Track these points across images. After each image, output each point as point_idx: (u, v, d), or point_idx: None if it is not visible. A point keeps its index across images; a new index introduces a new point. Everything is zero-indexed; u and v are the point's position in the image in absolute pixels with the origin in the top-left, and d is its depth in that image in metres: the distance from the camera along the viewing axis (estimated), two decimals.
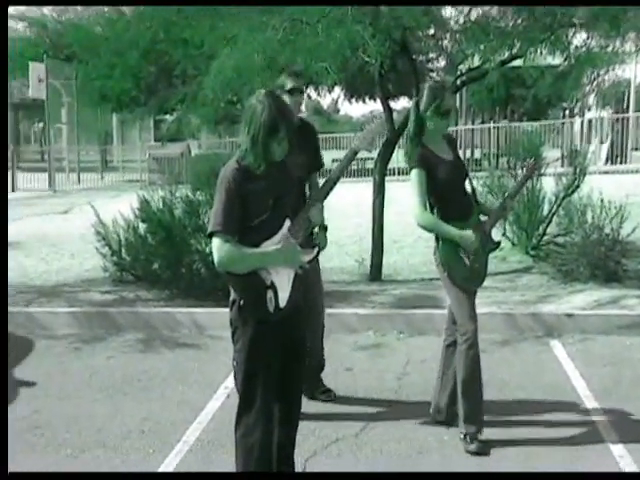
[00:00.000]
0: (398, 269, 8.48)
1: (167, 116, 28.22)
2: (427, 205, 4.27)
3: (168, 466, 4.19)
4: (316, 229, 4.75)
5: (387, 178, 8.34)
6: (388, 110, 8.10)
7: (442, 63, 9.22)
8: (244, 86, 6.30)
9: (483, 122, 19.50)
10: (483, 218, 4.47)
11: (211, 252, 7.22)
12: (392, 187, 8.73)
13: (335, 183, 3.63)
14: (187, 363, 5.90)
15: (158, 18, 8.70)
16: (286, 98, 4.60)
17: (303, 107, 4.97)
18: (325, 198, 3.58)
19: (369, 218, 8.12)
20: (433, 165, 4.24)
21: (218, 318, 6.63)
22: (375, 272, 8.00)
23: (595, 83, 8.93)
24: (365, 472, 3.30)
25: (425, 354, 5.83)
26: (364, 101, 29.45)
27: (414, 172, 4.23)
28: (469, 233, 4.23)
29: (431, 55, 10.64)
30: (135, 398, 5.22)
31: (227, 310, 6.10)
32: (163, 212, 7.31)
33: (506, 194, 4.76)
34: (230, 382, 5.38)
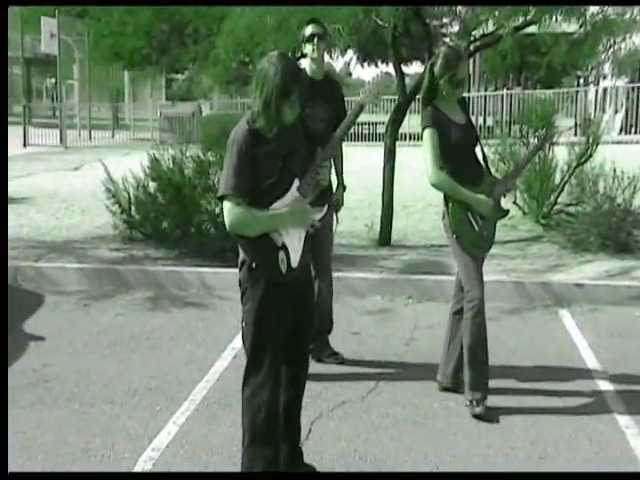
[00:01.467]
0: (408, 234, 8.46)
1: (179, 75, 28.07)
2: (441, 165, 4.22)
3: (175, 423, 4.22)
4: (334, 188, 4.80)
5: (398, 143, 8.28)
6: (400, 74, 8.01)
7: (455, 28, 9.07)
8: (256, 47, 6.22)
9: (496, 89, 19.29)
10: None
11: (221, 212, 7.19)
12: (403, 152, 8.69)
13: (341, 140, 3.63)
14: (195, 322, 5.92)
15: None
16: (309, 45, 4.77)
17: (326, 57, 4.92)
18: (332, 155, 3.57)
19: (379, 182, 8.08)
20: (445, 127, 4.20)
21: (226, 278, 6.64)
22: (384, 237, 7.99)
23: (611, 51, 8.79)
24: (365, 472, 3.29)
25: (432, 320, 5.84)
26: (376, 65, 29.16)
27: (427, 132, 4.19)
28: (484, 197, 4.20)
29: (445, 20, 10.49)
30: (143, 356, 5.25)
31: (235, 271, 6.09)
32: (173, 171, 7.29)
33: (517, 162, 4.71)
34: (237, 342, 5.41)
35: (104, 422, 4.25)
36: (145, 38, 20.91)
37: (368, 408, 4.42)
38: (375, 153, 10.50)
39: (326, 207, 3.38)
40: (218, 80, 10.14)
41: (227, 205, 3.16)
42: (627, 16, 6.93)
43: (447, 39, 16.11)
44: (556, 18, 7.02)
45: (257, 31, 6.12)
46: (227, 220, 3.17)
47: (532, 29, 7.87)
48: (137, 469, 3.74)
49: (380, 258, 7.40)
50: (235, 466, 3.68)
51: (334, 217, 5.02)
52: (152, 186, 7.60)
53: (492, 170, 4.80)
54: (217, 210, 7.10)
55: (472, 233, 4.26)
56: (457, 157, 4.21)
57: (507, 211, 4.47)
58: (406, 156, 9.70)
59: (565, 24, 7.41)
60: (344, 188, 5.02)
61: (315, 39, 4.75)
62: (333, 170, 4.61)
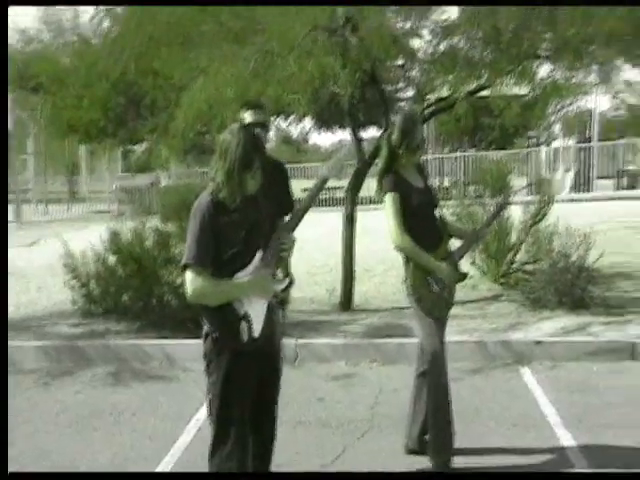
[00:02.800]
0: (369, 298, 8.52)
1: (136, 147, 28.14)
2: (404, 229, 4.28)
3: None
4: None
5: (358, 207, 8.40)
6: (357, 140, 8.18)
7: (410, 93, 9.31)
8: (215, 119, 6.33)
9: (451, 151, 19.72)
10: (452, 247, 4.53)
11: (182, 284, 7.16)
12: (363, 216, 8.80)
13: (305, 212, 3.65)
14: (158, 396, 5.86)
15: (129, 48, 8.69)
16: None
17: (270, 141, 4.79)
18: (295, 227, 3.61)
19: (340, 248, 8.16)
20: (406, 192, 4.30)
21: (189, 350, 6.61)
22: (346, 301, 8.03)
23: (560, 113, 9.13)
24: (365, 472, 3.25)
25: (397, 383, 5.85)
26: (333, 131, 29.64)
27: (389, 196, 4.28)
28: (444, 265, 4.29)
29: (400, 85, 10.78)
30: (106, 433, 5.17)
31: (198, 342, 6.06)
32: (133, 244, 7.28)
33: (479, 225, 4.82)
34: (201, 414, 5.36)
35: None
36: (101, 111, 21.03)
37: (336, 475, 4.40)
38: (335, 218, 10.62)
39: (288, 279, 3.43)
40: (176, 151, 10.20)
41: (189, 275, 3.19)
42: (574, 80, 7.21)
43: (402, 103, 16.52)
44: (507, 82, 7.27)
45: (216, 102, 6.23)
46: (188, 289, 3.20)
47: (486, 92, 8.11)
48: None
49: (342, 323, 7.43)
50: None
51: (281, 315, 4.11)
52: (111, 259, 7.58)
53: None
54: (178, 281, 7.09)
55: (432, 295, 4.33)
56: (417, 221, 4.30)
57: (465, 274, 4.56)
58: (366, 220, 9.83)
59: (516, 87, 7.66)
60: (291, 283, 3.96)
61: (255, 127, 4.35)
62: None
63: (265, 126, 4.59)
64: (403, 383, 5.70)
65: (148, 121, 18.68)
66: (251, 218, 3.32)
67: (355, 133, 8.24)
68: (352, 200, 8.09)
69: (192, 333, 6.97)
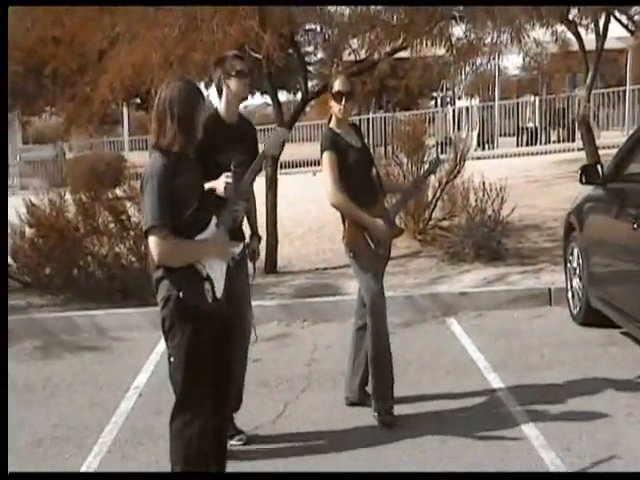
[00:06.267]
0: (292, 260, 8.62)
1: (35, 118, 27.24)
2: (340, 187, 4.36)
3: (89, 468, 4.15)
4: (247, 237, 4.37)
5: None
6: (277, 103, 8.22)
7: (329, 55, 9.34)
8: (144, 84, 6.26)
9: (359, 113, 19.94)
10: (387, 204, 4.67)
11: (107, 254, 7.07)
12: (281, 181, 8.85)
13: (251, 185, 3.85)
14: (92, 366, 5.82)
15: (30, 17, 8.41)
16: (234, 81, 4.15)
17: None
18: (242, 198, 3.70)
19: (262, 211, 8.20)
20: (343, 149, 4.40)
21: (119, 319, 6.59)
22: (270, 265, 8.11)
23: (466, 73, 9.37)
24: (364, 472, 3.38)
25: (330, 340, 6.01)
26: (253, 95, 29.55)
27: (326, 154, 4.37)
28: (380, 222, 4.41)
29: (318, 48, 10.84)
30: (43, 405, 5.11)
31: (128, 311, 6.07)
32: (54, 216, 7.14)
33: (412, 184, 4.98)
34: (140, 381, 5.39)
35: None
36: None
37: (281, 429, 4.51)
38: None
39: (242, 243, 3.51)
40: (96, 119, 9.98)
41: (153, 238, 3.20)
42: (488, 40, 7.43)
43: (320, 66, 16.63)
44: (426, 43, 7.42)
45: (143, 68, 6.14)
46: (154, 253, 3.21)
47: (404, 54, 8.25)
48: None
49: (270, 285, 7.52)
50: None
51: (250, 268, 4.40)
52: (29, 232, 7.42)
53: None
54: (102, 252, 7.03)
55: (369, 251, 4.46)
56: (354, 179, 4.39)
57: (402, 230, 4.70)
58: (284, 185, 9.89)
59: (432, 48, 7.84)
60: (259, 239, 4.49)
61: (243, 74, 4.15)
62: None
63: (248, 75, 4.30)
64: (336, 339, 5.88)
65: (49, 91, 18.11)
66: (197, 179, 3.40)
67: (275, 97, 8.27)
68: (273, 163, 8.13)
69: (119, 303, 6.95)
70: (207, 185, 3.53)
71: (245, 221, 4.22)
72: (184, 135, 3.24)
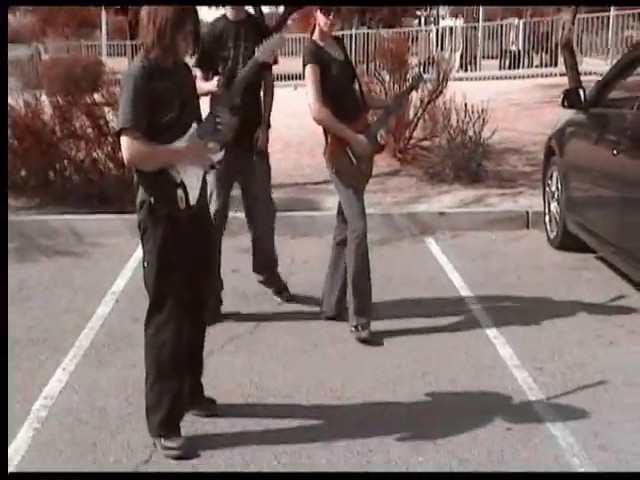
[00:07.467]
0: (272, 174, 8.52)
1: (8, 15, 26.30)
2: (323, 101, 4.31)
3: (65, 371, 4.16)
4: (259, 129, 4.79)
5: None
6: (260, 13, 8.02)
7: None
8: None
9: (342, 29, 19.55)
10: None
11: (83, 159, 6.99)
12: None
13: (239, 91, 3.88)
14: (69, 271, 5.79)
15: None
16: None
17: None
18: (230, 104, 3.63)
19: None
20: (326, 63, 4.32)
21: (97, 225, 6.54)
22: None
23: None
24: (364, 472, 3.43)
25: (308, 254, 6.02)
26: (223, 4, 28.70)
27: (309, 68, 4.29)
28: (362, 137, 4.36)
29: None
30: (18, 308, 5.07)
31: (105, 217, 6.02)
32: (30, 117, 6.98)
33: (394, 99, 4.90)
34: (117, 287, 5.39)
35: None
36: None
37: (257, 341, 4.56)
38: None
39: (223, 151, 3.44)
40: (65, 23, 9.70)
41: (125, 139, 3.15)
42: None
43: None
44: None
45: None
46: (125, 154, 3.18)
47: None
48: (31, 418, 3.67)
49: None
50: (132, 406, 3.74)
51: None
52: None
53: None
54: (80, 156, 6.91)
55: (351, 167, 4.42)
56: (337, 93, 4.33)
57: (383, 146, 4.66)
58: None
59: None
60: (269, 126, 4.90)
61: None
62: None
63: None
64: (314, 254, 5.90)
65: None
66: (183, 87, 3.31)
67: (258, 8, 8.07)
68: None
69: (96, 208, 6.88)
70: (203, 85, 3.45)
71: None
72: (160, 46, 3.15)
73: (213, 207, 4.59)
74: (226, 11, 4.74)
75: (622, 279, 5.39)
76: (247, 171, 4.83)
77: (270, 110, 4.94)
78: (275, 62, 4.47)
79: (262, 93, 4.85)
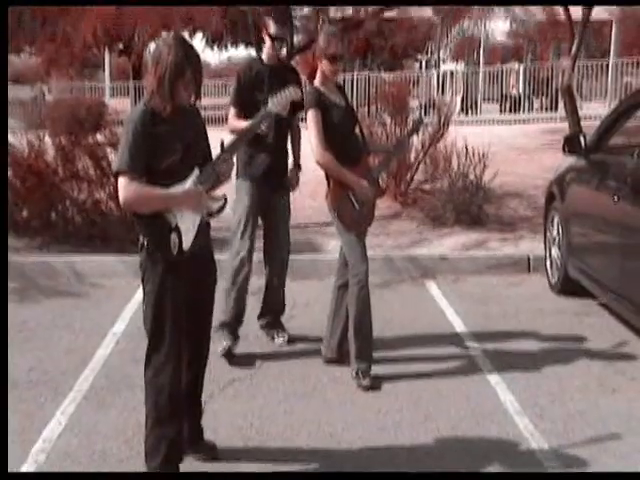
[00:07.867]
0: None
1: (12, 56, 26.60)
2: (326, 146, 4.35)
3: (64, 413, 4.14)
4: (290, 167, 5.02)
5: None
6: (259, 56, 8.09)
7: (316, 11, 9.25)
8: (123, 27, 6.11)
9: (344, 71, 19.74)
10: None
11: (85, 200, 7.02)
12: None
13: (245, 139, 3.84)
14: (70, 312, 5.78)
15: None
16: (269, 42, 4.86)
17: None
18: (234, 152, 3.64)
19: None
20: (328, 108, 4.37)
21: (98, 266, 6.55)
22: None
23: (456, 36, 9.32)
24: (363, 472, 3.40)
25: (309, 297, 6.01)
26: (227, 48, 29.15)
27: (311, 112, 4.35)
28: (364, 182, 4.41)
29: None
30: (18, 348, 5.06)
31: (106, 258, 6.03)
32: (33, 157, 7.03)
33: (396, 143, 4.97)
34: (118, 328, 5.39)
35: None
36: None
37: (258, 384, 4.53)
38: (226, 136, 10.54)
39: (224, 200, 3.44)
40: (77, 61, 9.81)
41: (121, 181, 3.18)
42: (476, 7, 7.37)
43: (302, 20, 16.46)
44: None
45: (123, 13, 5.99)
46: (121, 195, 3.19)
47: (390, 14, 8.16)
48: (29, 462, 3.64)
49: None
50: (132, 450, 3.70)
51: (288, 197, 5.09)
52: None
53: None
54: (82, 197, 6.94)
55: (353, 211, 4.45)
56: (338, 138, 4.38)
57: (384, 191, 4.70)
58: None
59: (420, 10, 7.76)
60: (299, 168, 5.07)
61: (278, 41, 4.90)
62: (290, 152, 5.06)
63: (284, 40, 5.01)
64: (314, 297, 5.91)
65: (28, 27, 17.69)
66: (187, 132, 3.32)
67: (260, 50, 8.15)
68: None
69: (97, 249, 6.89)
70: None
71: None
72: (159, 95, 3.18)
73: (237, 244, 4.83)
74: (261, 53, 5.02)
75: (624, 326, 5.39)
76: (272, 209, 4.97)
77: (299, 151, 5.13)
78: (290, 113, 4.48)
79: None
